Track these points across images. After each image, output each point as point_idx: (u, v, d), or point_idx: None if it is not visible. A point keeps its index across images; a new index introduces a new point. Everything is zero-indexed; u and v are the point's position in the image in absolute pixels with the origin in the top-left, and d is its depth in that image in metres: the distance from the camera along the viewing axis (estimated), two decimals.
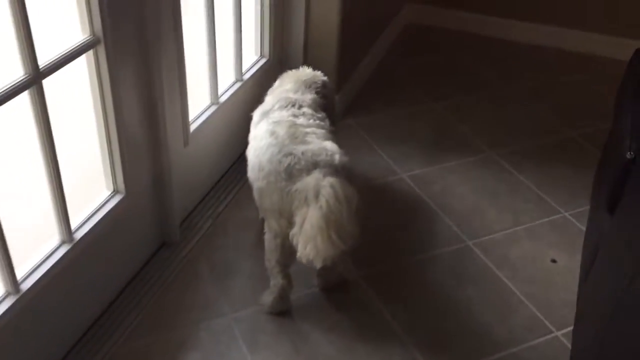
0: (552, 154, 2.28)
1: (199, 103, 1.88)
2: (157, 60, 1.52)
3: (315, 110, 1.64)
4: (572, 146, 2.33)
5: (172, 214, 1.74)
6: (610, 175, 1.46)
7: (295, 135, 1.50)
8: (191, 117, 1.81)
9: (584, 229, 1.92)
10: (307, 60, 2.31)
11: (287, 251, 1.48)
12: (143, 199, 1.65)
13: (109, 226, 1.51)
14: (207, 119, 1.87)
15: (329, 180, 1.37)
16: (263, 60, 2.19)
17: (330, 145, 1.50)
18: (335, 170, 1.42)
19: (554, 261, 1.82)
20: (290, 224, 1.40)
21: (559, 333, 1.61)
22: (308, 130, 1.53)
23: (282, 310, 1.60)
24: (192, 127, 1.81)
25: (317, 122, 1.59)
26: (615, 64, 2.82)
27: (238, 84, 2.04)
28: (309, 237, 1.34)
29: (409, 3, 3.11)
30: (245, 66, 2.10)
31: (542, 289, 1.73)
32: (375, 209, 1.98)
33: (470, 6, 3.03)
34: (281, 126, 1.53)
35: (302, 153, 1.44)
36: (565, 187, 2.12)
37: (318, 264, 1.38)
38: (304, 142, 1.48)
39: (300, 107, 1.62)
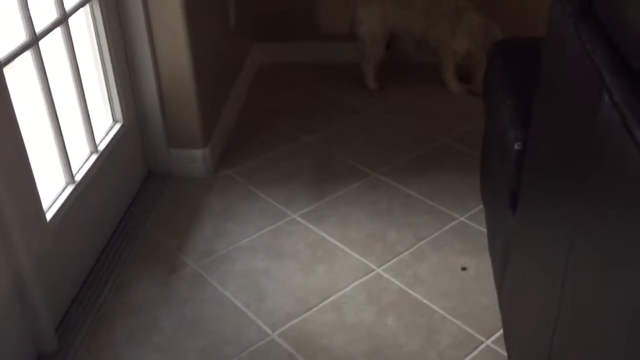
0: (432, 162, 2.29)
1: (52, 186, 1.65)
2: None
3: None
4: (448, 151, 2.36)
5: (42, 322, 1.47)
6: (503, 172, 1.44)
7: None
8: (45, 203, 1.57)
9: (482, 229, 1.92)
10: (167, 117, 2.14)
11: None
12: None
13: None
14: (65, 202, 1.64)
15: None
16: (117, 126, 1.99)
17: None
18: None
19: (464, 269, 1.78)
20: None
21: (489, 342, 1.56)
22: None
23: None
24: (49, 215, 1.56)
25: None
26: None
27: (94, 156, 1.82)
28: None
29: (257, 42, 3.05)
30: (99, 135, 1.89)
31: (460, 301, 1.68)
32: (275, 258, 1.84)
33: (318, 36, 3.01)
34: None
35: None
36: (453, 192, 2.12)
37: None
38: None
39: None
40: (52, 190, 1.64)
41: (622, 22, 0.80)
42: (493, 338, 1.56)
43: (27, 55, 1.49)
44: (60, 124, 1.64)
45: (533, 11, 2.76)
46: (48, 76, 1.57)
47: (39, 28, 1.53)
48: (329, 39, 2.90)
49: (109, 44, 1.89)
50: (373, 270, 1.79)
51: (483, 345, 1.55)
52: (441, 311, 1.64)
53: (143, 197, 2.12)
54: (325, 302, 1.69)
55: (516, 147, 1.33)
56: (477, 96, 2.38)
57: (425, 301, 1.68)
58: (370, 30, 2.68)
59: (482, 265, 1.78)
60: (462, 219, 1.99)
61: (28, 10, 1.47)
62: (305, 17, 2.91)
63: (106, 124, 1.97)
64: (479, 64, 2.59)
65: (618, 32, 0.81)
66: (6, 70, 1.37)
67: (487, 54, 1.81)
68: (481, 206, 1.97)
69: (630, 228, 0.72)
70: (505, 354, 1.48)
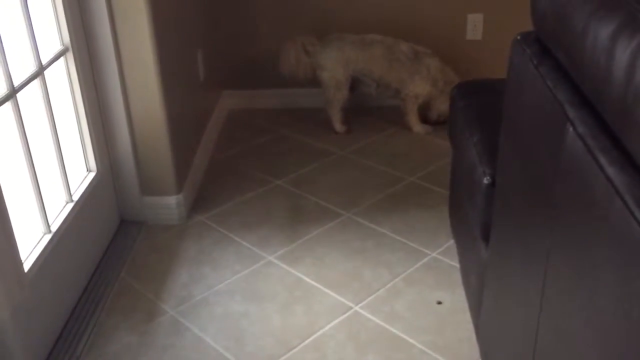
0: (401, 201, 2.36)
1: (29, 235, 1.64)
2: None
3: None
4: (416, 190, 2.43)
5: None
6: (473, 206, 1.51)
7: None
8: (22, 254, 1.56)
9: (453, 263, 1.98)
10: (140, 165, 2.16)
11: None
12: None
13: None
14: (42, 252, 1.63)
15: None
16: (91, 175, 2.00)
17: None
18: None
19: (439, 303, 1.83)
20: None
21: None
22: None
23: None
24: (27, 266, 1.55)
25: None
26: None
27: (70, 206, 1.82)
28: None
29: (225, 90, 3.11)
30: (74, 185, 1.90)
31: (438, 334, 1.71)
32: (253, 300, 1.85)
33: (284, 82, 3.09)
34: None
35: None
36: (423, 228, 2.18)
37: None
38: None
39: None
40: (28, 240, 1.63)
41: (580, 65, 0.88)
42: None
43: (7, 107, 1.51)
44: (37, 173, 1.64)
45: (479, 57, 2.92)
46: (25, 127, 1.58)
47: (17, 81, 1.56)
48: (295, 85, 2.99)
49: (82, 95, 1.92)
50: (351, 308, 1.82)
51: None
52: (420, 345, 1.68)
53: (117, 245, 2.12)
54: (306, 342, 1.71)
55: (485, 181, 1.41)
56: (442, 124, 2.68)
57: (404, 336, 1.71)
58: (332, 75, 2.78)
59: (456, 299, 1.83)
60: (434, 254, 2.04)
61: (7, 63, 1.50)
62: (270, 65, 2.99)
63: (81, 173, 1.98)
64: (441, 105, 2.73)
65: (576, 72, 0.90)
66: None
67: (450, 95, 1.91)
68: (451, 241, 2.04)
69: (602, 253, 0.78)
70: None
